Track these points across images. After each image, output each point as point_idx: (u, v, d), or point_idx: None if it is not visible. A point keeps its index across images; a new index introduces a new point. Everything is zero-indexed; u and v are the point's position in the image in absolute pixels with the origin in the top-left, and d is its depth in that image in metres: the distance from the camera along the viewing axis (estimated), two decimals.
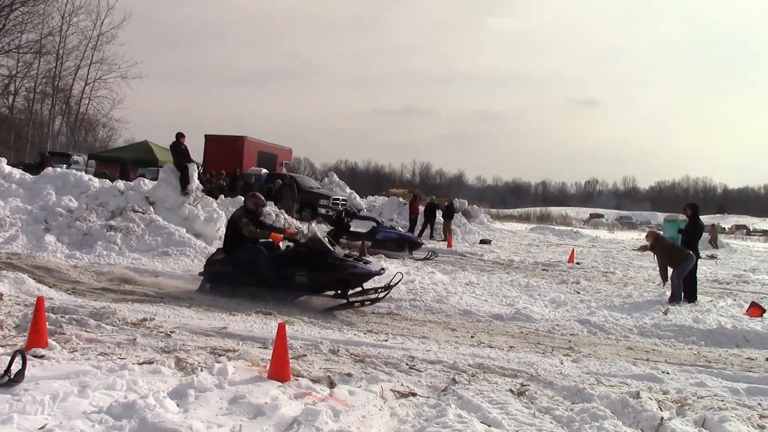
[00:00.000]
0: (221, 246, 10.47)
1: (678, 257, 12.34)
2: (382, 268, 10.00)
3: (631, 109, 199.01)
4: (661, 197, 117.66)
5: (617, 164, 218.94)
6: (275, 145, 37.86)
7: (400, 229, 21.21)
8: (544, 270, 17.46)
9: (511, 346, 8.12)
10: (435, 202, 29.64)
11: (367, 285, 9.89)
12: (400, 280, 9.89)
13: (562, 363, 7.41)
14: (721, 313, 11.09)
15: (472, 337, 8.57)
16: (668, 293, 12.42)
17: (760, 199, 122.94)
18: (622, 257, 23.84)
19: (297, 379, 5.62)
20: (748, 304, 11.65)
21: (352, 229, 19.43)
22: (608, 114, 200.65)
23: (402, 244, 18.46)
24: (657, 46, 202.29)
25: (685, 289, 12.32)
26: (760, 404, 6.14)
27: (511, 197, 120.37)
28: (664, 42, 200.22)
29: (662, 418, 5.18)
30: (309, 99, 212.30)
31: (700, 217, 13.50)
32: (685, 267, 12.24)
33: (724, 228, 76.77)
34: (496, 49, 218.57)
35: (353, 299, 9.39)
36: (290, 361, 5.85)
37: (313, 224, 10.04)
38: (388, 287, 9.65)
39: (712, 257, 26.54)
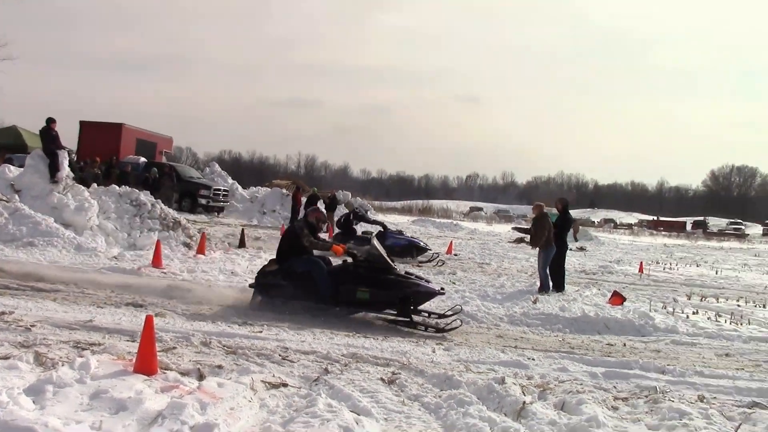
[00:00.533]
0: (274, 257, 9.71)
1: (545, 240, 12.88)
2: (442, 288, 9.64)
3: (511, 107, 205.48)
4: (537, 192, 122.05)
5: (497, 159, 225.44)
6: (155, 133, 36.77)
7: (408, 234, 20.43)
8: (422, 261, 17.76)
9: (385, 336, 8.23)
10: (317, 193, 29.61)
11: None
12: (459, 311, 9.53)
13: (434, 351, 7.58)
14: (585, 302, 11.64)
15: (347, 327, 8.61)
16: (538, 283, 12.96)
17: (627, 194, 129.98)
18: (498, 249, 24.65)
19: (164, 373, 5.47)
20: (611, 293, 12.29)
21: (358, 234, 18.60)
22: (490, 111, 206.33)
23: (410, 250, 17.78)
24: (536, 48, 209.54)
25: (554, 279, 12.88)
26: (615, 387, 6.52)
27: (395, 190, 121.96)
28: (543, 44, 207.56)
29: (524, 402, 5.39)
30: (193, 88, 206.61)
31: (571, 211, 14.15)
32: (547, 255, 12.81)
33: (594, 221, 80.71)
34: (383, 43, 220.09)
35: (417, 320, 8.99)
36: (158, 354, 5.69)
37: (374, 240, 9.66)
38: (443, 315, 9.26)
39: (581, 249, 27.85)
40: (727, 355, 8.71)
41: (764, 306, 13.28)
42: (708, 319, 11.13)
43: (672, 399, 5.92)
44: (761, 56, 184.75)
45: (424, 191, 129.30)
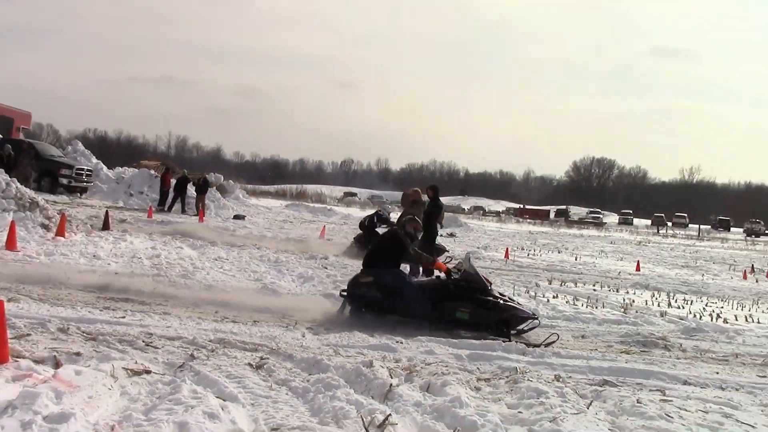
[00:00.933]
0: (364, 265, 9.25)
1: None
2: (534, 312, 9.39)
3: (387, 94, 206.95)
4: (411, 178, 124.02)
5: (372, 146, 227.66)
6: (12, 107, 34.65)
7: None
8: (295, 246, 17.68)
9: (255, 321, 8.14)
10: (187, 175, 28.84)
11: None
12: (538, 324, 9.09)
13: (303, 336, 7.58)
14: None
15: (216, 312, 8.45)
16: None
17: (496, 183, 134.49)
18: None
19: (17, 361, 5.16)
20: None
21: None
22: (366, 97, 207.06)
23: (430, 252, 17.37)
24: (411, 36, 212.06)
25: None
26: (478, 368, 6.75)
27: (269, 173, 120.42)
28: (418, 32, 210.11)
29: (391, 384, 5.48)
30: (56, 61, 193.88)
31: (442, 198, 14.47)
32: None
33: (464, 209, 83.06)
34: (259, 24, 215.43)
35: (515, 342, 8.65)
36: (10, 341, 5.37)
37: (469, 256, 9.21)
38: (521, 331, 8.91)
39: (451, 235, 28.60)
40: (582, 336, 9.20)
41: (617, 290, 14.12)
42: (566, 302, 11.72)
43: (531, 379, 6.18)
44: (621, 55, 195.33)
45: (298, 175, 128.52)
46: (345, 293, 9.02)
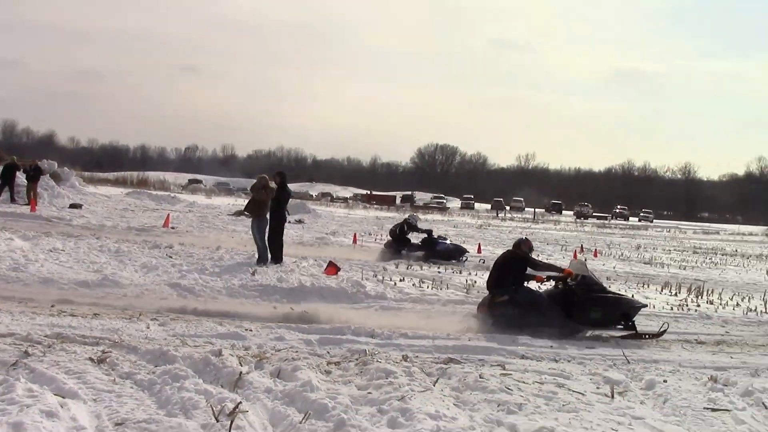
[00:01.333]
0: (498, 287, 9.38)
1: (261, 210, 13.10)
2: (644, 302, 10.20)
3: (232, 79, 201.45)
4: (258, 165, 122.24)
5: (218, 132, 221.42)
6: None
7: (449, 241, 19.61)
8: (137, 235, 17.04)
9: (95, 314, 7.80)
10: (17, 162, 26.96)
11: None
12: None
13: (148, 327, 7.36)
14: (303, 272, 11.99)
15: (52, 306, 8.01)
16: (256, 255, 13.07)
17: (343, 169, 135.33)
18: (218, 222, 24.40)
19: None
20: (326, 264, 12.78)
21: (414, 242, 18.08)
22: (210, 82, 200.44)
23: (454, 254, 17.70)
24: (255, 20, 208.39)
25: (272, 251, 13.08)
26: (328, 353, 6.84)
27: (107, 160, 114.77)
28: (262, 16, 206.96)
29: (241, 372, 5.44)
30: None
31: (290, 185, 14.41)
32: (261, 226, 13.06)
33: (312, 195, 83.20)
34: (94, 2, 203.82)
35: (641, 332, 9.29)
36: None
37: (584, 260, 9.30)
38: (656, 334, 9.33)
39: (299, 222, 28.56)
40: (428, 317, 9.50)
41: (460, 272, 14.71)
42: (413, 285, 12.06)
43: (380, 360, 6.34)
44: (460, 46, 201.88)
45: (139, 162, 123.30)
46: (479, 314, 9.26)
